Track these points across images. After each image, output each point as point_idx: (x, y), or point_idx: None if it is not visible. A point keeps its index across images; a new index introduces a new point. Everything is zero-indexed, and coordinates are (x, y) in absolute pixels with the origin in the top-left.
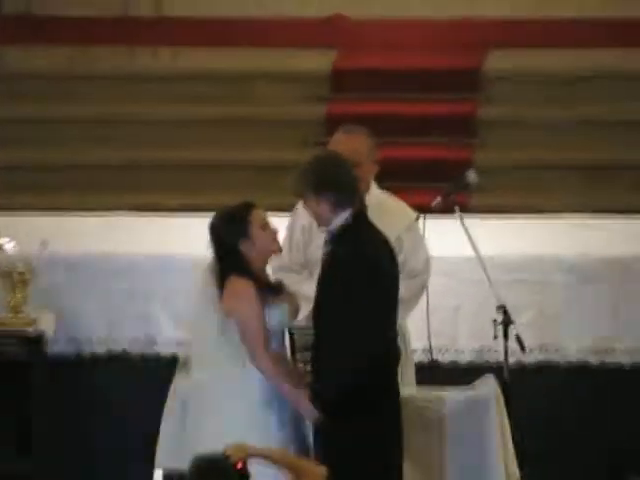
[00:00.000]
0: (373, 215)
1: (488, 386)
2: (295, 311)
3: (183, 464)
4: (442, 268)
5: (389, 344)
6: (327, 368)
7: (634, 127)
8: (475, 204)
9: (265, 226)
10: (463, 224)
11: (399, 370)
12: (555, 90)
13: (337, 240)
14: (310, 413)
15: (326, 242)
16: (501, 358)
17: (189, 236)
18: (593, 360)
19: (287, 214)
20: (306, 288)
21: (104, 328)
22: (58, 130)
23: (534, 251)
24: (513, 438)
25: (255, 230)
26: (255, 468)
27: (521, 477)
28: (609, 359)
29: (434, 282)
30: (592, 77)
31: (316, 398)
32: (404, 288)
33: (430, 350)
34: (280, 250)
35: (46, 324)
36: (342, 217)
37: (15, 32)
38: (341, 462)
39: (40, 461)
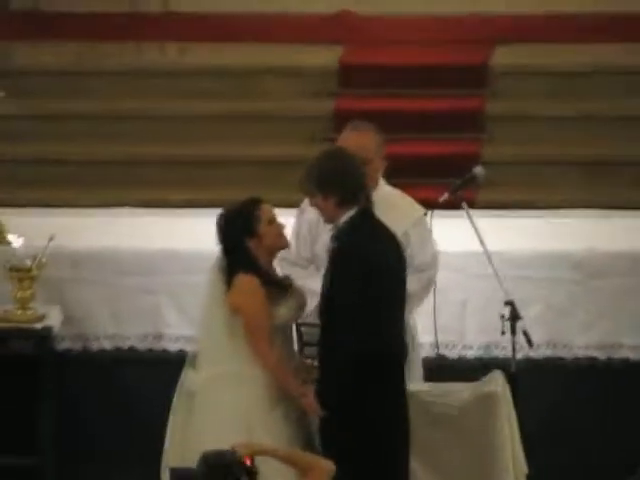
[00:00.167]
0: (381, 211)
1: (496, 381)
2: (302, 306)
3: (190, 460)
4: (449, 263)
5: (394, 339)
6: (329, 364)
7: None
8: (482, 199)
9: (272, 221)
10: (470, 219)
11: (406, 366)
12: (561, 85)
13: (343, 236)
14: (315, 409)
15: (332, 238)
16: (508, 353)
17: (196, 231)
18: (600, 355)
19: (294, 210)
20: (312, 283)
21: (111, 323)
22: (65, 126)
23: (541, 246)
24: (521, 433)
25: (262, 226)
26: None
27: (529, 472)
28: (616, 355)
29: (441, 277)
30: (599, 72)
31: (320, 394)
32: (412, 283)
33: (437, 345)
34: (287, 245)
35: (53, 320)
36: (348, 214)
37: (23, 28)
38: (347, 458)
39: (46, 456)
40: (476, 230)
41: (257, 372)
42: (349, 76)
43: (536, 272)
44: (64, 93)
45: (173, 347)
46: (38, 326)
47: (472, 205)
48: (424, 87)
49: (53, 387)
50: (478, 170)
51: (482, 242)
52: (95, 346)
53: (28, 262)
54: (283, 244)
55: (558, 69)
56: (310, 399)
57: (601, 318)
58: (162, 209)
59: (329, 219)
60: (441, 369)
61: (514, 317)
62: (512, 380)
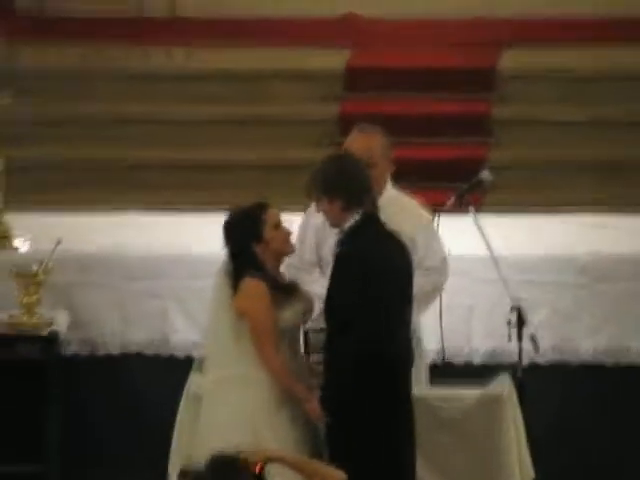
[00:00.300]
0: (388, 214)
1: (502, 385)
2: (309, 310)
3: (197, 464)
4: (456, 267)
5: (400, 343)
6: (331, 367)
7: None
8: (489, 202)
9: (278, 226)
10: (477, 224)
11: (412, 369)
12: (569, 89)
13: (348, 240)
14: (318, 415)
15: (337, 242)
16: (515, 358)
17: (202, 235)
18: (607, 360)
19: (301, 214)
20: (317, 288)
21: (118, 328)
22: (71, 129)
23: (547, 250)
24: (528, 438)
25: (269, 230)
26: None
27: (535, 477)
28: (623, 358)
29: (448, 281)
30: (606, 76)
31: (323, 400)
32: (418, 286)
33: (443, 349)
34: (293, 251)
35: (60, 324)
36: (353, 218)
37: (28, 31)
38: (353, 462)
39: (54, 461)
40: (483, 234)
41: (263, 375)
42: (356, 79)
43: (542, 276)
44: (69, 96)
45: (180, 351)
46: (45, 331)
47: (479, 209)
48: (431, 90)
49: (60, 392)
50: (485, 174)
51: (489, 246)
52: (102, 350)
53: (34, 267)
54: (289, 250)
55: (566, 73)
56: (314, 404)
57: (607, 322)
58: (169, 213)
59: (335, 223)
60: (447, 373)
61: (521, 322)
62: (518, 384)
